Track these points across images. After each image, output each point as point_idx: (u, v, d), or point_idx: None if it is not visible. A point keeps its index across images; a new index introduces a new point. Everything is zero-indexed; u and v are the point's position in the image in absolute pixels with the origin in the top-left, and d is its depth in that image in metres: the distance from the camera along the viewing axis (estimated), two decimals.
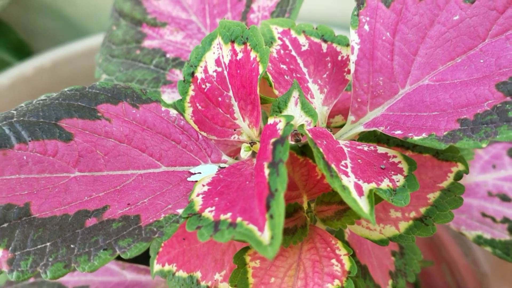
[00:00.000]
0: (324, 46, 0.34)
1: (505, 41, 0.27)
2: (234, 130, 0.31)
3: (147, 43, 0.43)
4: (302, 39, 0.34)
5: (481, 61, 0.28)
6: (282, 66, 0.33)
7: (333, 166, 0.25)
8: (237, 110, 0.31)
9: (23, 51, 0.79)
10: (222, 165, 0.31)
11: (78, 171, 0.28)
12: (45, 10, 0.84)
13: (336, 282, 0.26)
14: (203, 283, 0.32)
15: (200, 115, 0.31)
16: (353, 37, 0.31)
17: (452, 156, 0.31)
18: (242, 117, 0.31)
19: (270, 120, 0.27)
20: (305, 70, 0.33)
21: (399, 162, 0.28)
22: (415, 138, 0.26)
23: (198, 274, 0.32)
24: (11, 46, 0.78)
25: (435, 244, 0.73)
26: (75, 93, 0.31)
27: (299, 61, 0.33)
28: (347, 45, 0.33)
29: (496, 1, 0.28)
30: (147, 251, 0.37)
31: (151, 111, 0.31)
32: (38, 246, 0.25)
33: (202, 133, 0.31)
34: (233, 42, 0.30)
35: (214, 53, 0.31)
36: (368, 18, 0.30)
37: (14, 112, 0.30)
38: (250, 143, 0.31)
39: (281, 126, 0.26)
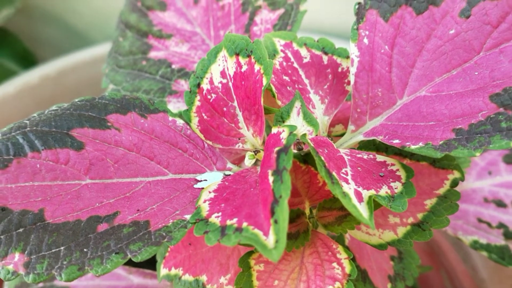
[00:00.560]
0: (325, 58, 0.35)
1: (499, 54, 0.29)
2: (239, 139, 0.32)
3: (153, 54, 0.44)
4: (303, 52, 0.35)
5: (476, 73, 0.29)
6: (284, 77, 0.34)
7: (334, 173, 0.26)
8: (241, 119, 0.32)
9: (28, 60, 0.80)
10: (227, 172, 0.32)
11: (89, 179, 0.30)
12: (50, 20, 0.85)
13: (337, 284, 0.27)
14: (208, 286, 0.33)
15: (206, 125, 0.33)
16: (353, 50, 0.32)
17: (448, 164, 0.32)
18: (247, 126, 0.32)
19: (274, 130, 0.28)
20: (306, 81, 0.34)
21: (397, 170, 0.29)
22: (412, 147, 0.27)
23: (203, 278, 0.33)
24: (16, 55, 0.80)
25: (434, 251, 0.74)
26: (86, 104, 0.32)
27: (301, 72, 0.34)
28: (347, 57, 0.35)
29: (490, 16, 0.29)
30: (153, 256, 0.38)
31: (159, 121, 0.33)
32: (53, 250, 0.26)
33: (208, 141, 0.33)
34: (237, 54, 0.31)
35: (219, 65, 0.33)
36: (367, 32, 0.32)
37: (27, 122, 0.31)
38: (254, 151, 0.32)
39: (284, 135, 0.27)
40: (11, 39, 0.81)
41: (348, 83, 0.34)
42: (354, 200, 0.25)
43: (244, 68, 0.31)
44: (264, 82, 0.29)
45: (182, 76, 0.42)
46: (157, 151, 0.32)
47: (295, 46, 0.35)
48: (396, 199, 0.27)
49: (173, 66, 0.43)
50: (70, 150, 0.30)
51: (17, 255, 0.26)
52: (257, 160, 0.32)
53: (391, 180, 0.28)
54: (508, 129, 0.26)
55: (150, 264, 0.42)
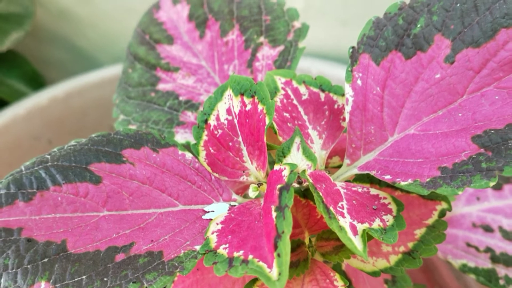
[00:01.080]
0: (322, 95, 0.38)
1: (481, 98, 0.32)
2: (243, 171, 0.35)
3: (161, 86, 0.47)
4: (302, 89, 0.38)
5: (460, 114, 0.32)
6: (285, 114, 0.37)
7: (331, 208, 0.29)
8: (245, 154, 0.35)
9: (37, 82, 0.83)
10: (233, 203, 0.35)
11: (106, 210, 0.32)
12: (58, 43, 0.88)
13: None
14: None
15: (213, 158, 0.35)
16: (348, 90, 0.35)
17: (437, 195, 0.35)
18: (251, 160, 0.35)
19: (276, 167, 0.31)
20: (305, 117, 0.37)
21: (389, 203, 0.32)
22: (402, 183, 0.30)
23: None
24: (26, 77, 0.82)
25: (429, 268, 0.76)
26: (102, 139, 0.35)
27: (300, 109, 0.37)
28: (343, 94, 0.37)
29: (472, 62, 0.32)
30: None
31: (170, 155, 0.35)
32: (76, 279, 0.29)
33: (215, 174, 0.35)
34: (242, 94, 0.34)
35: (225, 103, 0.35)
36: (360, 74, 0.34)
37: (49, 156, 0.34)
38: (257, 184, 0.35)
39: (286, 173, 0.29)
40: (20, 61, 0.83)
41: (344, 119, 0.37)
42: (350, 234, 0.28)
43: (249, 107, 0.34)
44: (267, 121, 0.32)
45: (188, 108, 0.45)
46: (168, 184, 0.34)
47: (294, 83, 0.38)
48: (387, 232, 0.30)
49: (180, 98, 0.46)
50: (88, 184, 0.33)
51: (43, 284, 0.29)
52: (260, 191, 0.35)
53: (383, 213, 0.31)
54: (487, 169, 0.28)
55: None
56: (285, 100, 0.37)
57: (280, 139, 0.35)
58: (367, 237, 0.30)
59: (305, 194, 0.32)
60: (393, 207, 0.31)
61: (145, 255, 0.30)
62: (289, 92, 0.38)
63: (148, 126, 0.43)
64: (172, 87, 0.46)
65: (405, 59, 0.34)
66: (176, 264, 0.29)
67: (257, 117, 0.33)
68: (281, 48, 0.44)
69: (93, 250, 0.30)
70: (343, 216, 0.29)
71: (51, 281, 0.29)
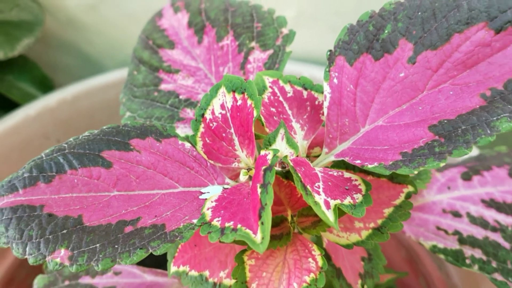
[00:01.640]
0: (305, 93, 0.43)
1: (438, 93, 0.37)
2: (235, 159, 0.40)
3: (163, 86, 0.52)
4: (288, 87, 0.43)
5: (420, 108, 0.37)
6: (272, 109, 0.42)
7: (308, 187, 0.34)
8: (237, 143, 0.40)
9: (46, 85, 0.88)
10: (226, 186, 0.40)
11: (116, 191, 0.37)
12: (66, 49, 0.93)
13: (312, 275, 0.35)
14: (210, 280, 0.41)
15: (208, 147, 0.40)
16: (326, 88, 0.40)
17: (404, 179, 0.40)
18: (241, 149, 0.40)
19: (262, 152, 0.36)
20: (289, 112, 0.42)
21: (359, 184, 0.37)
22: (369, 166, 0.35)
23: (206, 273, 0.41)
24: (36, 81, 0.88)
25: (413, 259, 0.81)
26: (112, 130, 0.40)
27: (285, 105, 0.42)
28: (322, 92, 0.43)
29: (431, 63, 0.37)
30: (164, 259, 0.46)
31: (171, 144, 0.40)
32: (91, 247, 0.34)
33: (210, 161, 0.40)
34: (234, 91, 0.39)
35: (219, 99, 0.40)
36: (336, 74, 0.40)
37: (66, 145, 0.39)
38: (247, 169, 0.40)
39: (269, 157, 0.35)
40: (31, 66, 0.89)
41: (323, 114, 0.42)
42: (323, 208, 0.33)
43: (239, 102, 0.39)
44: (255, 114, 0.37)
45: (188, 106, 0.50)
46: (169, 169, 0.39)
47: (281, 83, 0.43)
48: (357, 207, 0.35)
49: (181, 97, 0.51)
50: (101, 168, 0.38)
51: (62, 251, 0.34)
52: (249, 176, 0.40)
53: (354, 192, 0.36)
54: (439, 153, 0.33)
55: (161, 265, 0.50)
56: (272, 97, 0.42)
57: (267, 130, 0.40)
58: (340, 212, 0.35)
59: (287, 176, 0.37)
60: (362, 187, 0.36)
61: (150, 227, 0.35)
62: (276, 90, 0.43)
63: (151, 122, 0.48)
64: (173, 87, 0.52)
65: (374, 61, 0.39)
66: (177, 234, 0.34)
67: (246, 110, 0.38)
68: (270, 52, 0.49)
69: (105, 223, 0.35)
70: (319, 194, 0.34)
71: (69, 248, 0.34)
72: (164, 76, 0.52)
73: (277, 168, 0.38)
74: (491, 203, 0.50)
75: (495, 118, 0.33)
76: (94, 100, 0.84)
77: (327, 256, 0.43)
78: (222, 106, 0.40)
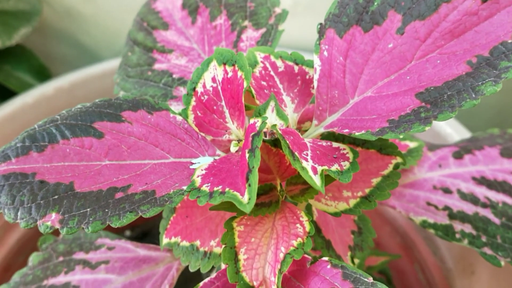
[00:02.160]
0: (296, 68, 0.43)
1: (426, 63, 0.37)
2: (226, 131, 0.41)
3: (157, 66, 0.52)
4: (279, 62, 0.44)
5: (408, 77, 0.37)
6: (263, 83, 0.42)
7: (296, 153, 0.34)
8: (228, 115, 0.40)
9: (43, 75, 0.89)
10: (216, 157, 0.40)
11: (108, 160, 0.38)
12: (63, 38, 0.94)
13: (299, 240, 0.35)
14: (201, 249, 0.41)
15: (200, 120, 0.41)
16: (316, 61, 0.40)
17: (392, 151, 0.40)
18: (232, 121, 0.40)
19: (251, 121, 0.37)
20: (280, 86, 0.42)
21: (347, 153, 0.37)
22: (356, 134, 0.36)
23: (197, 243, 0.41)
24: (33, 70, 0.88)
25: (408, 245, 0.82)
26: (104, 103, 0.41)
27: (276, 79, 0.43)
28: (313, 66, 0.43)
29: (419, 33, 0.38)
30: (156, 234, 0.46)
31: (163, 117, 0.41)
32: (81, 211, 0.34)
33: (201, 133, 0.41)
34: (225, 64, 0.40)
35: (210, 72, 0.41)
36: (326, 46, 0.40)
37: (58, 117, 0.40)
38: (238, 140, 0.40)
39: (258, 124, 0.35)
40: (28, 55, 0.89)
41: (313, 87, 0.42)
42: (310, 172, 0.34)
43: (230, 74, 0.39)
44: (245, 85, 0.38)
45: (181, 84, 0.50)
46: (161, 140, 0.40)
47: (272, 58, 0.44)
48: (344, 173, 0.35)
49: (174, 76, 0.51)
50: (92, 138, 0.38)
51: (53, 215, 0.34)
52: (239, 147, 0.40)
53: (341, 160, 0.37)
54: (425, 118, 0.34)
55: (152, 241, 0.50)
56: (263, 72, 0.43)
57: (258, 102, 0.41)
58: (328, 180, 0.36)
59: (276, 144, 0.38)
60: (350, 155, 0.37)
61: (140, 193, 0.35)
62: (267, 65, 0.43)
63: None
64: (166, 67, 0.52)
65: (364, 32, 0.39)
66: (166, 199, 0.35)
67: (237, 82, 0.39)
68: (263, 30, 0.50)
69: (96, 190, 0.36)
70: (307, 160, 0.35)
71: (60, 212, 0.34)
72: (158, 56, 0.53)
73: (267, 137, 0.38)
74: (482, 181, 0.50)
75: (480, 83, 0.33)
76: (90, 88, 0.85)
77: (317, 229, 0.43)
78: (213, 79, 0.41)
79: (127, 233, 0.81)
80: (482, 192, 0.49)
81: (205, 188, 0.34)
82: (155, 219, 0.78)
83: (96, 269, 0.47)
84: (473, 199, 0.49)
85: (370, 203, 0.38)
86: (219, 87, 0.40)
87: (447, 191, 0.50)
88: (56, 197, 0.35)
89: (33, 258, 0.51)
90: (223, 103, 0.40)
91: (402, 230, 0.82)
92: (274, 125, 0.36)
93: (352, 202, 0.39)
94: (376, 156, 0.40)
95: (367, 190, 0.39)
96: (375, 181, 0.39)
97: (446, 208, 0.48)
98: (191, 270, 0.41)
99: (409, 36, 0.38)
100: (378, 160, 0.40)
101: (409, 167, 0.51)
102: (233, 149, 0.40)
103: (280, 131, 0.35)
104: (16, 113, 0.80)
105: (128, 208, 0.34)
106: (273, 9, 0.51)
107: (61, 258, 0.49)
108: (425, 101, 0.35)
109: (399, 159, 0.40)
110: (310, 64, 0.44)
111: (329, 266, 0.35)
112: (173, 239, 0.43)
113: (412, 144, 0.52)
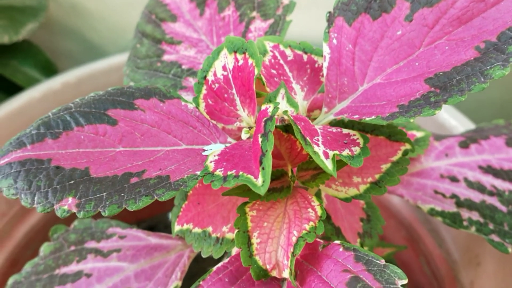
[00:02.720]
0: (305, 56, 0.44)
1: (434, 49, 0.38)
2: (237, 118, 0.41)
3: (166, 57, 0.53)
4: (288, 51, 0.44)
5: (417, 64, 0.38)
6: (272, 71, 0.43)
7: (308, 138, 0.35)
8: (238, 103, 0.41)
9: (50, 70, 0.90)
10: (227, 145, 0.41)
11: (122, 147, 0.38)
12: (69, 34, 0.95)
13: (311, 223, 0.36)
14: (213, 235, 0.42)
15: (211, 108, 0.42)
16: (325, 49, 0.41)
17: (401, 138, 0.41)
18: (243, 108, 0.41)
19: (263, 107, 0.37)
20: (290, 74, 0.43)
21: (357, 138, 0.38)
22: (367, 119, 0.36)
23: (209, 229, 0.42)
24: (39, 65, 0.89)
25: (413, 238, 0.82)
26: (117, 91, 0.41)
27: (286, 67, 0.43)
28: (322, 55, 0.44)
29: (427, 20, 0.38)
30: (167, 224, 0.47)
31: (174, 105, 0.42)
32: (97, 195, 0.35)
33: (213, 121, 0.41)
34: (235, 52, 0.40)
35: (221, 61, 0.41)
36: (335, 34, 0.41)
37: (72, 105, 0.40)
38: (249, 128, 0.41)
39: (270, 109, 0.36)
40: (35, 51, 0.90)
41: (322, 75, 0.43)
42: (322, 157, 0.34)
43: (241, 62, 0.40)
44: (256, 72, 0.38)
45: (190, 75, 0.51)
46: (173, 128, 0.40)
47: (281, 47, 0.44)
48: (354, 158, 0.36)
49: (183, 67, 0.52)
50: (106, 125, 0.39)
51: (70, 199, 0.35)
52: (251, 135, 0.41)
53: (352, 145, 0.37)
54: (435, 102, 0.34)
55: (164, 230, 0.51)
56: (272, 60, 0.44)
57: (268, 90, 0.42)
58: (339, 165, 0.36)
59: (287, 129, 0.38)
60: (360, 141, 0.37)
61: (155, 178, 0.36)
62: (276, 54, 0.44)
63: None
64: (175, 58, 0.53)
65: (372, 20, 0.40)
66: (181, 183, 0.35)
67: (247, 69, 0.39)
68: (271, 21, 0.50)
69: (111, 175, 0.36)
70: (318, 146, 0.35)
71: (76, 197, 0.35)
72: (166, 48, 0.53)
73: (278, 123, 0.39)
74: (488, 169, 0.51)
75: (488, 67, 0.34)
76: (97, 83, 0.85)
77: (327, 216, 0.44)
78: (224, 68, 0.41)
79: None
80: (488, 180, 0.50)
81: (219, 172, 0.35)
82: (161, 214, 0.79)
83: (108, 257, 0.48)
84: (480, 188, 0.49)
85: (380, 189, 0.39)
86: (230, 75, 0.41)
87: (454, 179, 0.50)
88: (72, 182, 0.36)
89: (44, 248, 0.51)
90: (233, 91, 0.41)
91: (407, 223, 0.83)
92: (286, 111, 0.37)
93: (362, 188, 0.39)
94: (385, 142, 0.41)
95: (376, 176, 0.39)
96: (384, 167, 0.40)
97: (453, 196, 0.49)
98: (204, 255, 0.42)
99: (417, 23, 0.38)
100: (387, 146, 0.41)
101: (416, 156, 0.51)
102: (244, 136, 0.41)
103: (292, 118, 0.36)
104: (24, 107, 0.81)
105: (143, 192, 0.35)
106: (281, 0, 0.51)
107: (72, 248, 0.50)
108: (434, 86, 0.36)
109: (408, 146, 0.41)
110: (319, 53, 0.44)
111: (341, 249, 0.35)
112: (185, 226, 0.43)
113: (418, 134, 0.52)
